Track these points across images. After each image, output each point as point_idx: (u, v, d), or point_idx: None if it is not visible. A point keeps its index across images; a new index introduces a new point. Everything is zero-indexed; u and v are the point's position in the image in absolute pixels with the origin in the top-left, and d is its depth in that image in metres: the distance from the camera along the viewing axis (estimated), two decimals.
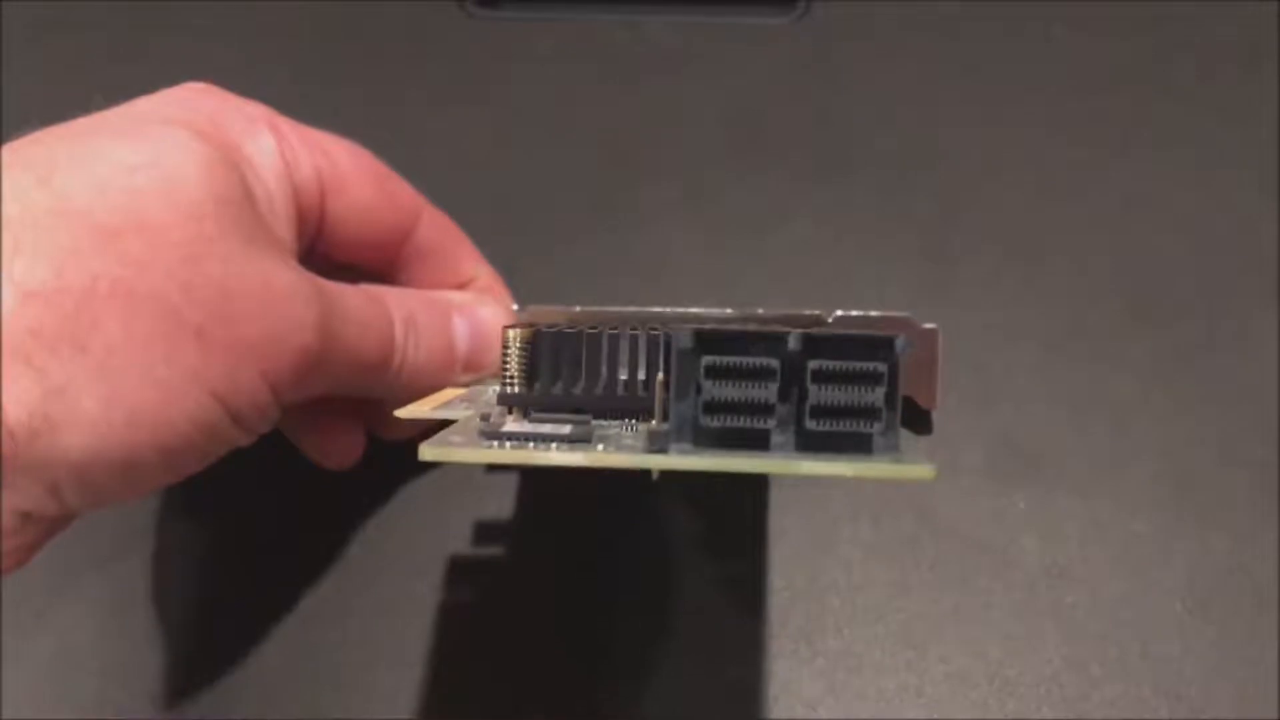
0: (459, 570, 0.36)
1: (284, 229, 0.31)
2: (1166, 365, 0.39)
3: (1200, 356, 0.40)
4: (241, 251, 0.27)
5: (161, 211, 0.26)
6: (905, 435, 0.24)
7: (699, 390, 0.23)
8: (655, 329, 0.28)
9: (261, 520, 0.38)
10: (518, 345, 0.27)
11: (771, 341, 0.23)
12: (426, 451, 0.23)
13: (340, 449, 0.36)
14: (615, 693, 0.35)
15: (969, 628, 0.35)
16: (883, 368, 0.23)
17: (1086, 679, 0.34)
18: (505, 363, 0.28)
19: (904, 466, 0.23)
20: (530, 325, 0.28)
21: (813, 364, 0.23)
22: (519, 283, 0.38)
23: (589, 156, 0.45)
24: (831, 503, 0.37)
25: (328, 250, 0.34)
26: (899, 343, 0.23)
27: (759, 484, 0.37)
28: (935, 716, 0.34)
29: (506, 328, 0.28)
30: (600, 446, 0.24)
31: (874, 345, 0.23)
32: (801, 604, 0.36)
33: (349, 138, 0.34)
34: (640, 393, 0.28)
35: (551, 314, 0.36)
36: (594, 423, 0.27)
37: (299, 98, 0.34)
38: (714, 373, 0.23)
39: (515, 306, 0.37)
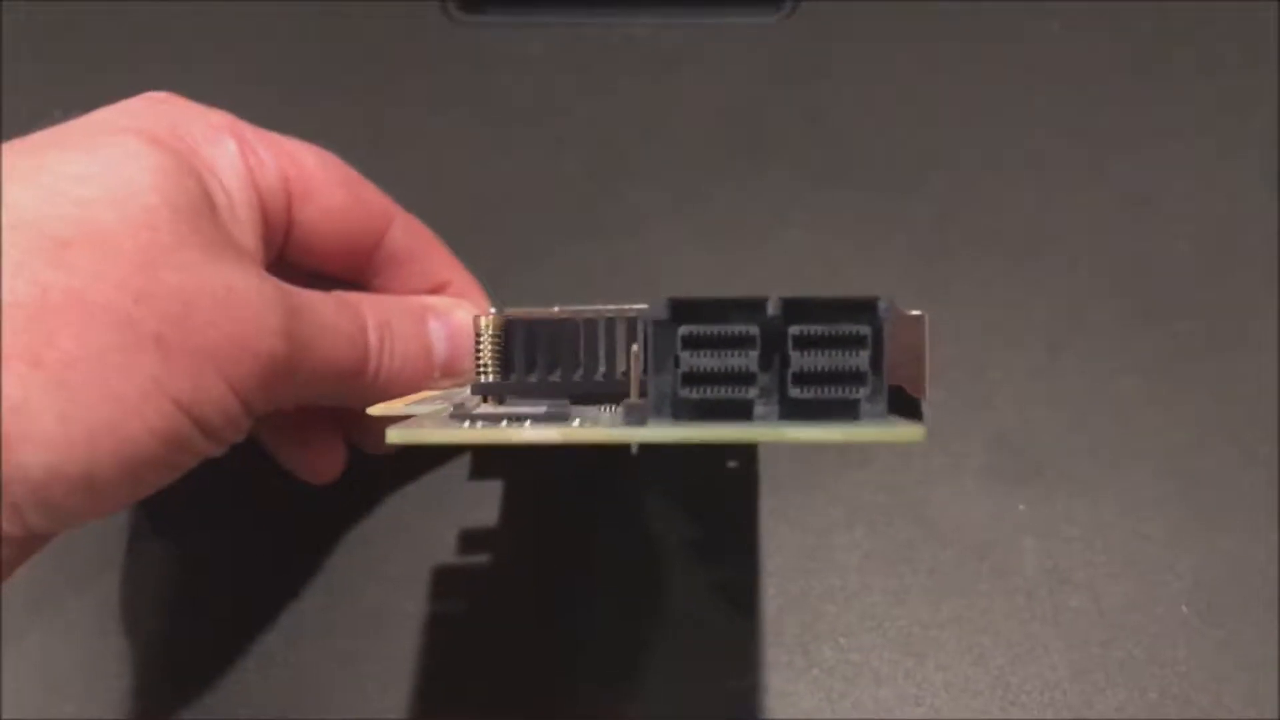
0: (444, 582, 0.35)
1: (248, 236, 0.30)
2: (1170, 364, 0.39)
3: (1204, 355, 0.39)
4: (200, 258, 0.26)
5: (113, 220, 0.25)
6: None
7: (677, 362, 0.22)
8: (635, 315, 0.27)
9: (244, 535, 0.37)
10: (490, 333, 0.27)
11: (750, 308, 0.22)
12: (393, 434, 0.22)
13: (322, 463, 0.36)
14: (607, 704, 0.34)
15: (969, 634, 0.34)
16: (866, 330, 0.22)
17: (1091, 685, 0.33)
18: (479, 351, 0.27)
19: (893, 429, 0.22)
20: (503, 314, 0.27)
21: (794, 329, 0.22)
22: (505, 289, 0.37)
23: (576, 160, 0.44)
24: (826, 508, 0.36)
25: (298, 258, 0.33)
26: (882, 304, 0.22)
27: (750, 482, 0.36)
28: (931, 717, 0.33)
29: (478, 315, 0.27)
30: (576, 422, 0.23)
31: (857, 308, 0.22)
32: (796, 612, 0.35)
33: (333, 145, 0.33)
34: (618, 376, 0.27)
35: (528, 316, 0.36)
36: (571, 408, 0.26)
37: (281, 105, 0.34)
38: (691, 343, 0.22)
39: (492, 309, 0.36)
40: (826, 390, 0.22)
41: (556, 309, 0.35)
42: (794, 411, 0.23)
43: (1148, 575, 0.35)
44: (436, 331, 0.33)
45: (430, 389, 0.33)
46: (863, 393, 0.22)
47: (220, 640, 0.35)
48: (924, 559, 0.35)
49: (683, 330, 0.22)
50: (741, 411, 0.23)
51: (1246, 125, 0.43)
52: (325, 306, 0.30)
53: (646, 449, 0.23)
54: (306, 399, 0.32)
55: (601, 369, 0.27)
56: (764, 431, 0.22)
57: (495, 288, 0.37)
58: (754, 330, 0.22)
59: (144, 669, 0.34)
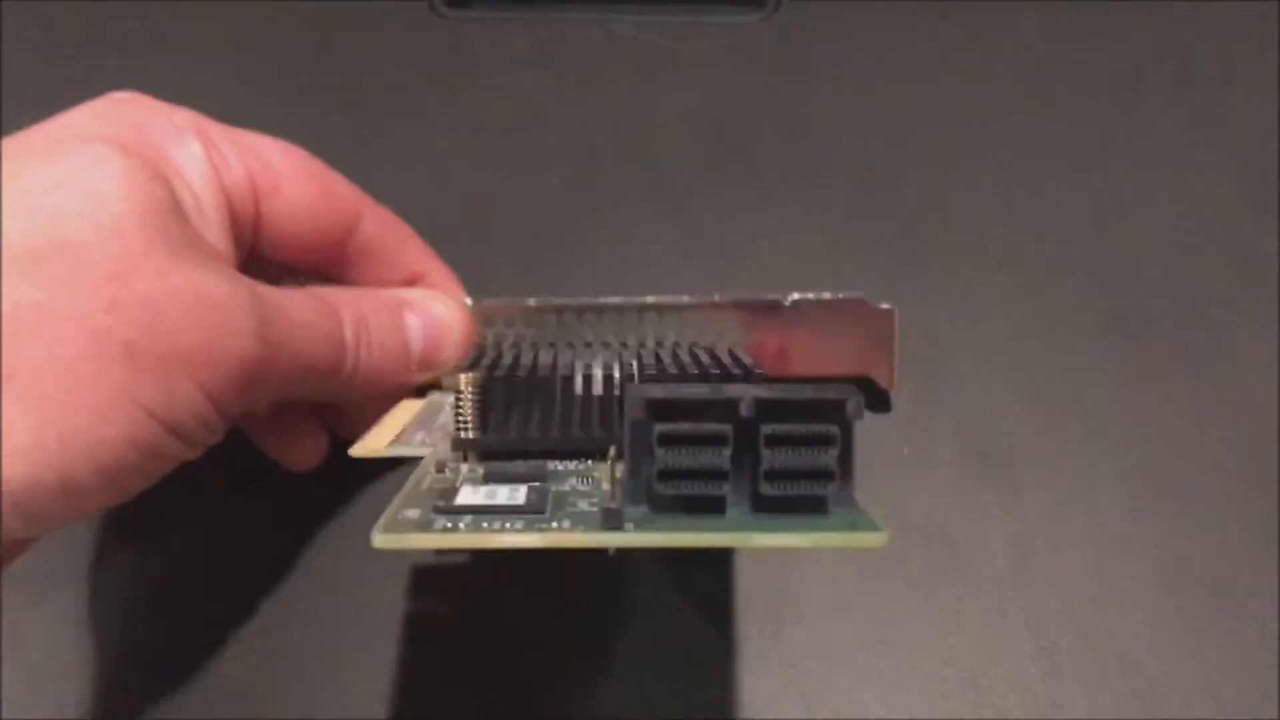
0: (424, 577, 0.36)
1: (217, 236, 0.30)
2: (1139, 369, 0.39)
3: (1172, 360, 0.40)
4: (170, 264, 0.26)
5: (83, 230, 0.25)
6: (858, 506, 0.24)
7: (653, 458, 0.23)
8: (609, 369, 0.28)
9: (226, 528, 0.37)
10: (470, 390, 0.27)
11: (724, 407, 0.23)
12: (380, 540, 0.22)
13: (303, 451, 0.36)
14: (585, 698, 0.34)
15: (939, 628, 0.35)
16: (835, 430, 0.23)
17: (1057, 678, 0.34)
18: (459, 408, 0.27)
19: (856, 536, 0.23)
20: (483, 369, 0.27)
21: (766, 428, 0.23)
22: (487, 283, 0.37)
23: (559, 156, 0.44)
24: None
25: (269, 253, 0.33)
26: (850, 405, 0.23)
27: None
28: (900, 712, 0.34)
29: (460, 373, 0.27)
30: (555, 524, 0.23)
31: (826, 408, 0.23)
32: (769, 607, 0.36)
33: (317, 139, 0.33)
34: (596, 431, 0.28)
35: (504, 308, 0.36)
36: (549, 465, 0.27)
37: (267, 100, 0.33)
38: (667, 440, 0.23)
39: (469, 301, 0.36)
40: (796, 486, 0.23)
41: (532, 301, 0.35)
42: (765, 505, 0.23)
43: (1113, 571, 0.36)
44: (413, 325, 0.34)
45: (409, 382, 0.34)
46: (831, 488, 0.23)
47: (202, 632, 0.35)
48: (895, 556, 0.36)
49: (659, 429, 0.23)
50: (714, 506, 0.23)
51: (1224, 139, 0.44)
52: (300, 305, 0.30)
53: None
54: (283, 396, 0.32)
55: (576, 421, 0.28)
56: (734, 537, 0.23)
57: (475, 280, 0.37)
58: (728, 429, 0.23)
59: (124, 663, 0.35)
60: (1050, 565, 0.36)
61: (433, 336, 0.34)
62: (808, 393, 0.23)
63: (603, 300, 0.36)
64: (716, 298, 0.36)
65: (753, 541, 0.23)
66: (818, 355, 0.37)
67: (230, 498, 0.37)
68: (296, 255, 0.34)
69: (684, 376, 0.27)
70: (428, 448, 0.29)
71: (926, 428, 0.38)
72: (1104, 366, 0.39)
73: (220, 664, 0.35)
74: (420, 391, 0.35)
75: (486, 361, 0.30)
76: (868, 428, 0.37)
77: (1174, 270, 0.41)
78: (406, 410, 0.33)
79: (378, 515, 0.35)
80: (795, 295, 0.37)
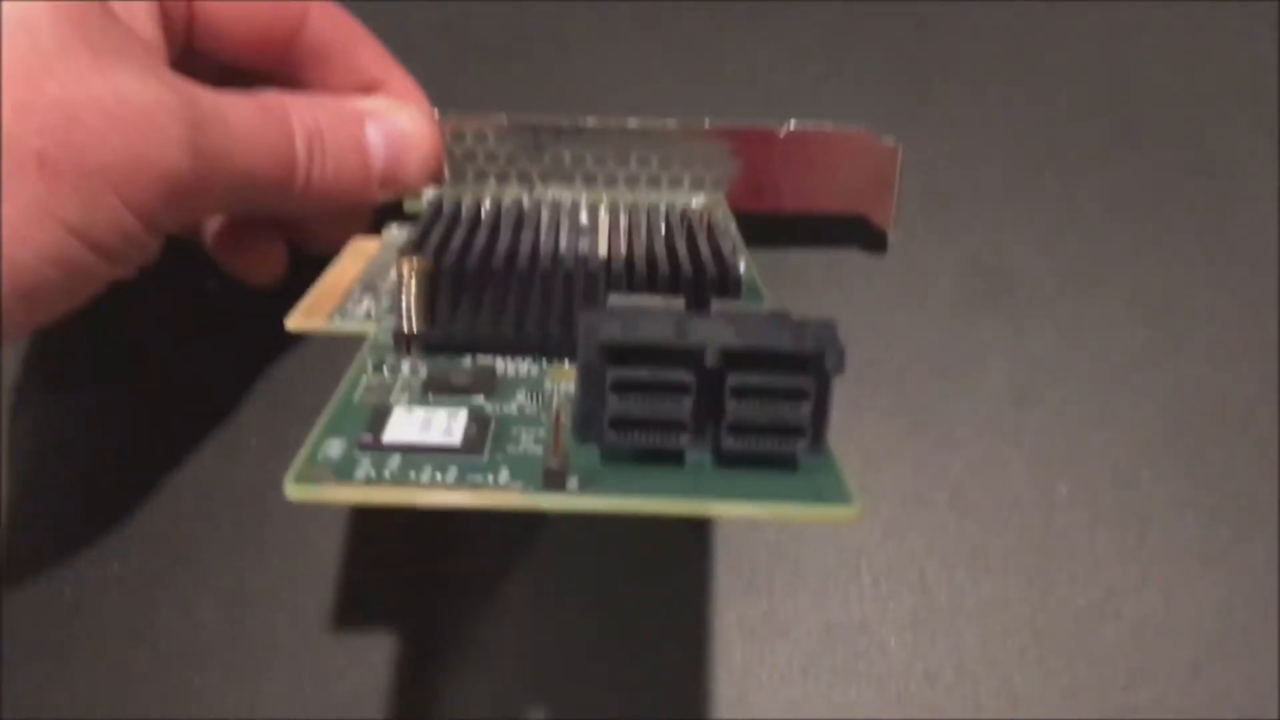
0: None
1: (145, 27, 0.28)
2: (1146, 193, 0.37)
3: (1182, 184, 0.38)
4: (88, 64, 0.24)
5: None
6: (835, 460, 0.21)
7: (605, 404, 0.20)
8: (570, 268, 0.25)
9: (161, 359, 0.35)
10: (415, 280, 0.25)
11: (686, 355, 0.20)
12: (293, 490, 0.20)
13: (262, 265, 0.34)
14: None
15: (930, 449, 0.34)
16: (809, 384, 0.20)
17: (1050, 501, 0.33)
18: (402, 297, 0.25)
19: (825, 509, 0.20)
20: (429, 256, 0.25)
21: (732, 379, 0.20)
22: (458, 95, 0.35)
23: None
24: None
25: (206, 49, 0.31)
26: (829, 359, 0.20)
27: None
28: (891, 538, 0.33)
29: (401, 256, 0.25)
30: (490, 476, 0.21)
31: (802, 360, 0.20)
32: None
33: None
34: (552, 329, 0.25)
35: (475, 123, 0.33)
36: (498, 368, 0.25)
37: None
38: (621, 386, 0.20)
39: (436, 113, 0.33)
40: (763, 442, 0.21)
41: (504, 118, 0.32)
42: (728, 459, 0.21)
43: (1114, 398, 0.35)
44: (374, 138, 0.31)
45: (371, 199, 0.31)
46: (801, 445, 0.21)
47: (125, 474, 0.34)
48: (887, 375, 0.35)
49: (612, 374, 0.20)
50: (671, 459, 0.21)
51: None
52: (244, 113, 0.28)
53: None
54: (226, 211, 0.30)
55: (533, 319, 0.25)
56: (687, 504, 0.20)
57: (448, 94, 0.34)
58: (688, 378, 0.20)
59: (35, 504, 0.34)
60: (1045, 385, 0.35)
61: (396, 152, 0.32)
62: (783, 341, 0.20)
63: (581, 121, 0.33)
64: (706, 124, 0.33)
65: (708, 509, 0.21)
66: (812, 190, 0.34)
67: (167, 324, 0.35)
68: (237, 51, 0.31)
69: (649, 311, 0.23)
70: (371, 323, 0.27)
71: (923, 248, 0.37)
72: (1109, 187, 0.38)
73: (143, 516, 0.33)
74: (380, 215, 0.33)
75: (436, 235, 0.27)
76: (864, 260, 0.36)
77: (1186, 89, 0.39)
78: (355, 259, 0.30)
79: (329, 354, 0.34)
80: (792, 124, 0.33)
